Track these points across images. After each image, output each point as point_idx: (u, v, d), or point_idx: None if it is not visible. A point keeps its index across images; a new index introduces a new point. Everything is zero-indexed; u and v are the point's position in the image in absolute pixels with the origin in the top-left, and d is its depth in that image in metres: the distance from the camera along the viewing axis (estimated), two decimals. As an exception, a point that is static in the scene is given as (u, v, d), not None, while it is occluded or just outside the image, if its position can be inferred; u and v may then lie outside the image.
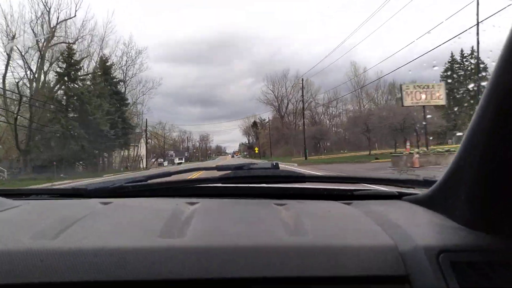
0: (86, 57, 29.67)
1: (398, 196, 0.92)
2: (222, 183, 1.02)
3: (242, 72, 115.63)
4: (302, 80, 36.23)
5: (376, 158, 21.21)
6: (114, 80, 32.04)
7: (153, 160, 66.80)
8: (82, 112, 23.60)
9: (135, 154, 45.33)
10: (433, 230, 0.65)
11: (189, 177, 1.17)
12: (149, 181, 1.03)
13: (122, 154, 39.29)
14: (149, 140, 69.00)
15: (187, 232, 0.60)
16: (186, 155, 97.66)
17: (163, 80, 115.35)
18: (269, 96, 72.94)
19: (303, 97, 37.07)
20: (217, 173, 1.05)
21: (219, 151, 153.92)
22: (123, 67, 38.62)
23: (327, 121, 65.15)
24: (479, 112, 0.54)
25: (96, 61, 32.28)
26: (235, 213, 0.79)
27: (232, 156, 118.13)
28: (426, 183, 0.87)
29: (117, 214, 0.76)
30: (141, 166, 45.89)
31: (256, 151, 66.64)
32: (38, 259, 0.51)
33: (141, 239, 0.58)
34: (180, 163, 78.49)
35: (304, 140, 32.88)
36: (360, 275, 0.53)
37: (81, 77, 26.06)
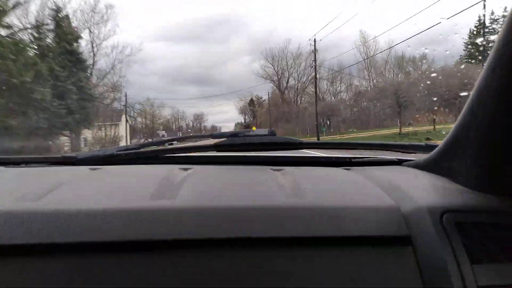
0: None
1: (399, 162, 0.91)
2: (217, 150, 0.99)
3: (239, 50, 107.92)
4: (315, 41, 29.22)
5: (428, 139, 15.11)
6: (69, 36, 23.51)
7: (142, 140, 60.52)
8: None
9: (112, 134, 38.80)
10: (436, 192, 0.65)
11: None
12: (142, 149, 1.00)
13: (95, 133, 32.59)
14: (135, 118, 62.29)
15: (180, 194, 0.59)
16: (179, 134, 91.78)
17: (159, 59, 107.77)
18: (268, 70, 65.85)
19: (315, 61, 29.46)
20: (212, 142, 1.01)
21: (215, 131, 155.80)
22: (89, 25, 30.11)
23: (332, 98, 58.79)
24: (486, 72, 0.53)
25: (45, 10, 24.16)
26: (230, 177, 0.77)
27: None
28: (428, 147, 0.87)
29: (106, 179, 0.75)
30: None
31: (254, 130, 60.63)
32: (19, 220, 0.49)
33: (131, 201, 0.57)
34: (172, 143, 72.31)
35: (316, 115, 26.72)
36: (362, 235, 0.52)
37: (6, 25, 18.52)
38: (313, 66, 29.19)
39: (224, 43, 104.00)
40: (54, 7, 23.47)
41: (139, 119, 63.41)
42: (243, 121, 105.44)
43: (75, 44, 24.11)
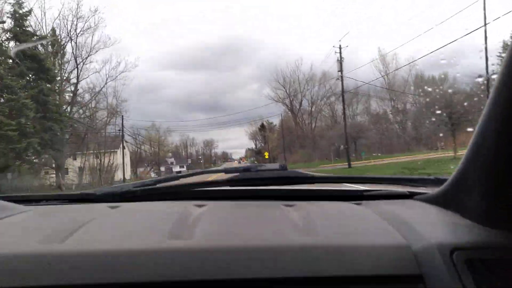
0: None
1: (409, 196, 0.90)
2: (230, 186, 1.02)
3: (248, 77, 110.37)
4: (340, 48, 24.11)
5: None
6: (29, 37, 17.68)
7: (148, 169, 56.39)
8: None
9: (107, 163, 34.33)
10: (445, 228, 0.65)
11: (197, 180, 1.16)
12: (158, 185, 1.06)
13: (83, 162, 27.76)
14: (140, 145, 58.17)
15: (196, 234, 0.60)
16: (189, 162, 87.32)
17: (169, 87, 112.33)
18: (280, 92, 61.99)
19: (341, 70, 24.09)
20: (225, 176, 1.05)
21: (225, 157, 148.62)
22: (71, 34, 24.07)
23: (349, 120, 54.11)
24: (489, 108, 0.54)
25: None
26: (243, 214, 0.79)
27: (239, 162, 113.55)
28: (438, 181, 0.87)
29: (126, 217, 0.77)
30: (119, 177, 34.70)
31: (266, 156, 55.56)
32: (46, 262, 0.51)
33: (150, 241, 0.58)
34: (180, 171, 67.77)
35: (346, 137, 21.76)
36: (374, 274, 0.52)
37: None
38: (339, 78, 24.31)
39: (233, 71, 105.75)
40: (13, 1, 18.10)
41: (145, 146, 59.41)
42: (254, 146, 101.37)
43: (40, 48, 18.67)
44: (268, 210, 0.80)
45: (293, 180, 1.02)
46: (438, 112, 18.18)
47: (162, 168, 60.46)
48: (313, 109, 58.17)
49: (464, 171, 0.64)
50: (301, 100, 59.09)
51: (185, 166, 77.68)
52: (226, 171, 1.10)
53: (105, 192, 1.00)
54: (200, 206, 0.79)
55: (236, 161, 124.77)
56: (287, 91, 59.85)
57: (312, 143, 50.08)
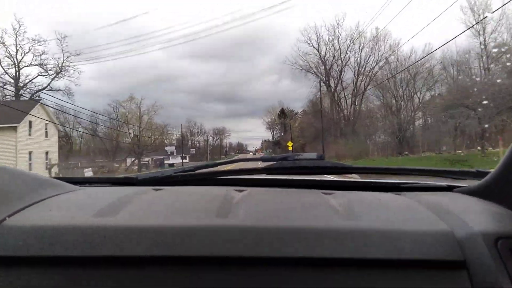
0: None
1: (449, 189, 0.90)
2: (267, 174, 1.04)
3: (267, 69, 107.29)
4: None
5: None
6: None
7: (129, 159, 40.91)
8: None
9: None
10: (489, 218, 0.66)
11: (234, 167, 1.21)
12: (197, 171, 1.09)
13: None
14: (117, 127, 42.30)
15: (241, 213, 0.62)
16: (193, 152, 71.55)
17: (186, 77, 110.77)
18: (311, 58, 44.76)
19: None
20: (263, 164, 1.08)
21: (240, 148, 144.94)
22: None
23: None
24: None
25: None
26: (284, 199, 0.80)
27: (254, 154, 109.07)
28: (479, 174, 0.87)
29: (171, 198, 0.80)
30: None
31: (290, 147, 38.73)
32: (102, 235, 0.54)
33: (201, 218, 0.61)
34: (173, 164, 51.61)
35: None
36: (418, 258, 0.53)
37: None
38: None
39: (251, 61, 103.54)
40: None
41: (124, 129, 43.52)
42: (271, 137, 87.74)
43: None
44: (307, 196, 0.80)
45: (331, 170, 1.05)
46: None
47: (147, 159, 44.25)
48: (359, 82, 40.76)
49: (509, 163, 0.64)
50: (341, 70, 41.78)
51: (187, 157, 61.97)
52: (262, 159, 1.16)
53: (146, 178, 1.03)
54: (240, 191, 0.81)
55: (251, 153, 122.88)
56: (321, 57, 42.41)
57: (362, 130, 32.81)
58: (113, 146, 40.55)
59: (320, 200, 0.74)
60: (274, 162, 1.05)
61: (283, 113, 70.05)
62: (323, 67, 41.97)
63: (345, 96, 41.65)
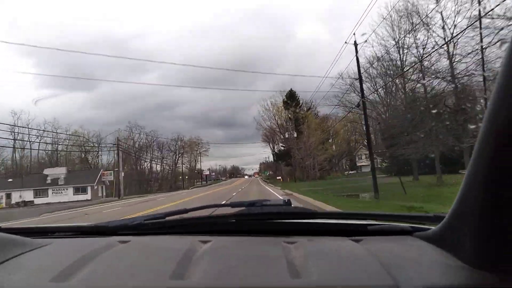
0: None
1: (411, 232, 0.92)
2: (235, 219, 1.07)
3: (266, 93, 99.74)
4: None
5: None
6: None
7: None
8: None
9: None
10: (437, 270, 0.66)
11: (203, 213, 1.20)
12: (167, 218, 1.11)
13: None
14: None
15: (197, 273, 0.65)
16: (109, 178, 43.57)
17: (185, 104, 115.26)
18: None
19: None
20: (231, 210, 1.14)
21: (235, 172, 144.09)
22: None
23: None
24: (479, 145, 0.54)
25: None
26: (244, 252, 0.82)
27: (249, 177, 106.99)
28: (436, 218, 0.89)
29: (133, 254, 0.83)
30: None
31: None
32: None
33: (153, 280, 0.64)
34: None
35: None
36: None
37: None
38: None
39: (251, 87, 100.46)
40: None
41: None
42: (269, 154, 67.95)
43: None
44: (269, 247, 0.84)
45: (296, 216, 1.08)
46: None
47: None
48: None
49: (458, 209, 0.66)
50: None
51: (89, 191, 39.48)
52: (232, 205, 1.21)
53: (117, 225, 1.07)
54: (205, 242, 0.86)
55: (247, 176, 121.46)
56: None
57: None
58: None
59: (278, 252, 0.77)
60: (243, 208, 1.12)
61: (292, 98, 46.26)
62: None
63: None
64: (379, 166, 33.06)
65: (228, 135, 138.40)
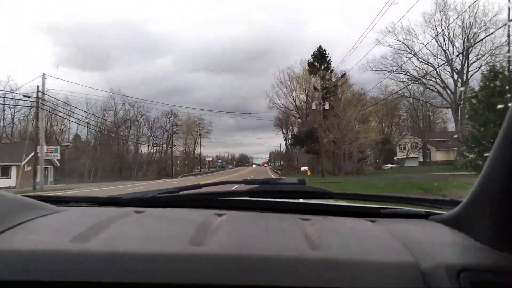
0: None
1: (425, 216, 0.93)
2: (249, 197, 1.07)
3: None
4: None
5: None
6: None
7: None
8: None
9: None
10: (455, 249, 0.67)
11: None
12: (180, 193, 1.12)
13: None
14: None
15: (214, 241, 0.65)
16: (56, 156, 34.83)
17: (198, 89, 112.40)
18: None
19: None
20: (245, 187, 1.11)
21: (243, 161, 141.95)
22: None
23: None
24: (504, 132, 0.55)
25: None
26: (259, 225, 0.82)
27: (258, 165, 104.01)
28: (453, 203, 0.90)
29: (150, 222, 0.83)
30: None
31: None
32: (76, 260, 0.56)
33: (172, 245, 0.63)
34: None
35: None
36: None
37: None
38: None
39: (263, 75, 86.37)
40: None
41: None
42: (283, 132, 57.66)
43: None
44: (283, 222, 0.83)
45: (310, 195, 1.08)
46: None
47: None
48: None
49: (477, 194, 0.67)
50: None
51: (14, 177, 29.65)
52: (245, 182, 1.20)
53: (131, 197, 1.08)
54: (219, 215, 0.85)
55: (255, 165, 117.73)
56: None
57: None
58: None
59: (295, 227, 0.76)
60: (257, 186, 1.10)
61: (322, 60, 35.70)
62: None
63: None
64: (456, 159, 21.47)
65: (239, 124, 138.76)
